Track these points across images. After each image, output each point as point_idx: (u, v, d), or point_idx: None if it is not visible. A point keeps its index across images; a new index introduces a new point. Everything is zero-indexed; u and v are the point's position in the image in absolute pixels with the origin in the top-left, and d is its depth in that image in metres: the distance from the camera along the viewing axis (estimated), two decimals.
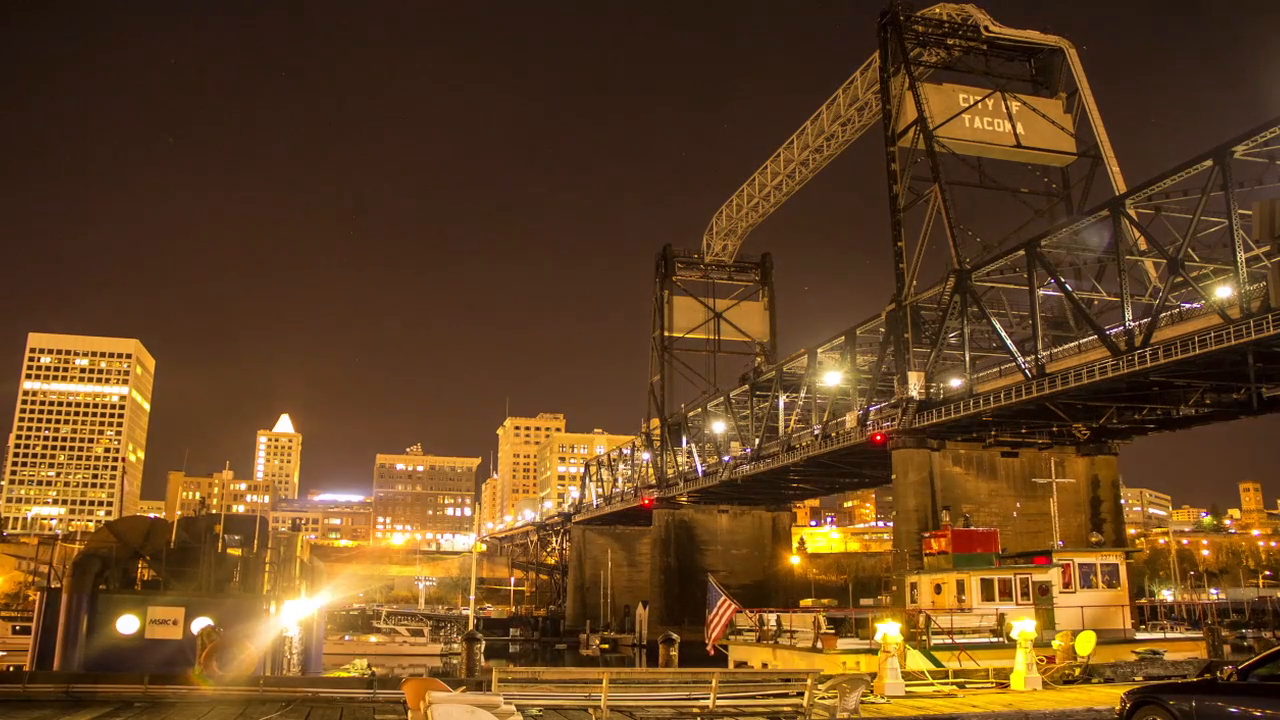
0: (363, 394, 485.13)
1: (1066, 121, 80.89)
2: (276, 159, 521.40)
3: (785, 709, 18.37)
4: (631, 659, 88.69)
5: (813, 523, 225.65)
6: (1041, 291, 63.49)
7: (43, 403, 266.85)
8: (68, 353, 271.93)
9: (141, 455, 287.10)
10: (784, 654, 32.45)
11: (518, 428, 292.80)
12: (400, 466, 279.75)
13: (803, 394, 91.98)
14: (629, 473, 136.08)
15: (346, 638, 72.47)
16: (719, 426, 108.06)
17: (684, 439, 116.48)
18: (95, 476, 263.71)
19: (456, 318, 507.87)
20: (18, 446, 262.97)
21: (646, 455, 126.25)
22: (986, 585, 34.15)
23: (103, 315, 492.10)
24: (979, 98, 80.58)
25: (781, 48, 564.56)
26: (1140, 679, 24.71)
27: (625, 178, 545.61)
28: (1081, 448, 72.67)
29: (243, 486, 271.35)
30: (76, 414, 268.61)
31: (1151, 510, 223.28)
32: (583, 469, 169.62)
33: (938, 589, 35.81)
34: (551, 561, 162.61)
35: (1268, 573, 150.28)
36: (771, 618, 36.30)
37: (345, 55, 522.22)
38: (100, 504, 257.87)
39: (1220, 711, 12.47)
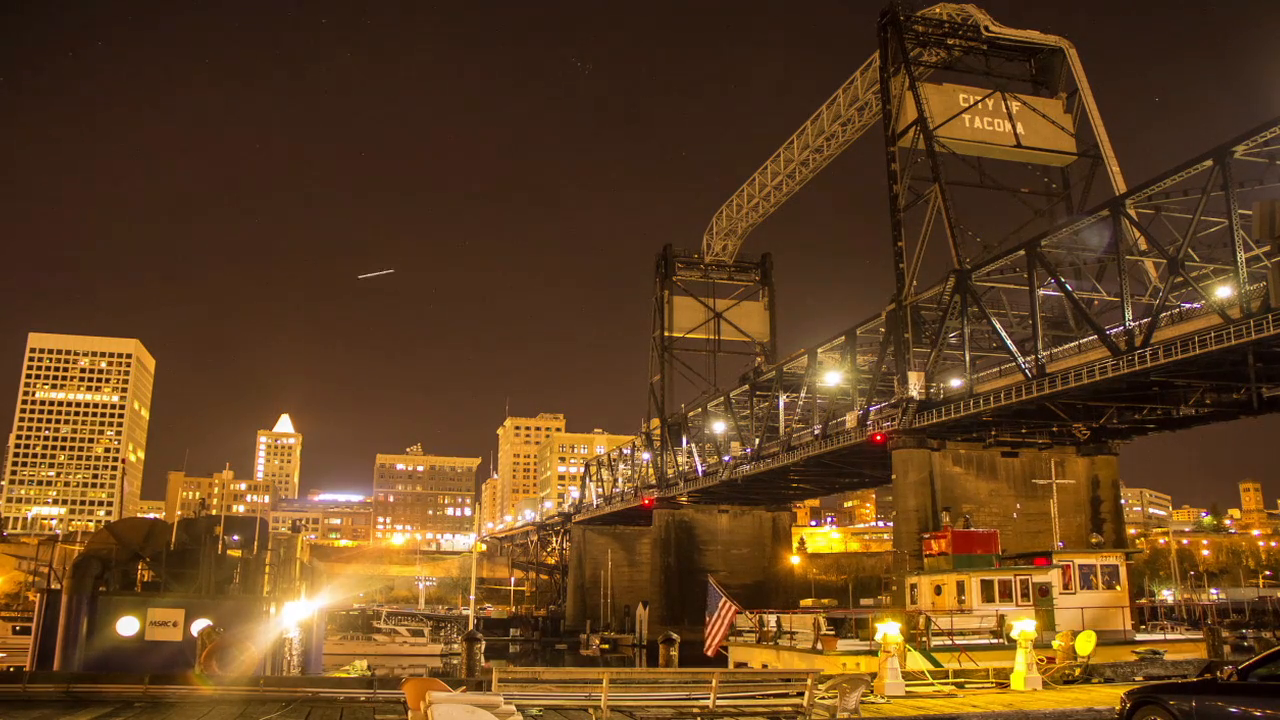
0: (363, 394, 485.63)
1: (1066, 121, 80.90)
2: (276, 158, 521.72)
3: (785, 709, 18.38)
4: (631, 659, 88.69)
5: (813, 523, 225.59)
6: (1041, 291, 63.48)
7: (43, 403, 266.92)
8: (68, 353, 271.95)
9: (141, 455, 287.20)
10: (784, 655, 32.45)
11: (518, 428, 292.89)
12: (400, 466, 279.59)
13: (803, 394, 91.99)
14: (629, 473, 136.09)
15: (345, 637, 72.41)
16: (719, 426, 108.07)
17: (684, 439, 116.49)
18: (95, 477, 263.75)
19: (456, 317, 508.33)
20: (18, 446, 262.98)
21: (646, 455, 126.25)
22: (986, 586, 34.18)
23: (103, 315, 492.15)
24: (979, 98, 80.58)
25: (782, 48, 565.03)
26: (1140, 679, 24.71)
27: (625, 178, 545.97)
28: (1081, 448, 72.68)
29: (243, 487, 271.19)
30: (76, 414, 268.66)
31: (1151, 510, 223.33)
32: (583, 469, 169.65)
33: (938, 590, 35.83)
34: (551, 561, 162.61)
35: (1268, 573, 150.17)
36: (771, 619, 36.30)
37: (344, 53, 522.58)
38: (100, 504, 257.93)
39: (1220, 711, 12.47)
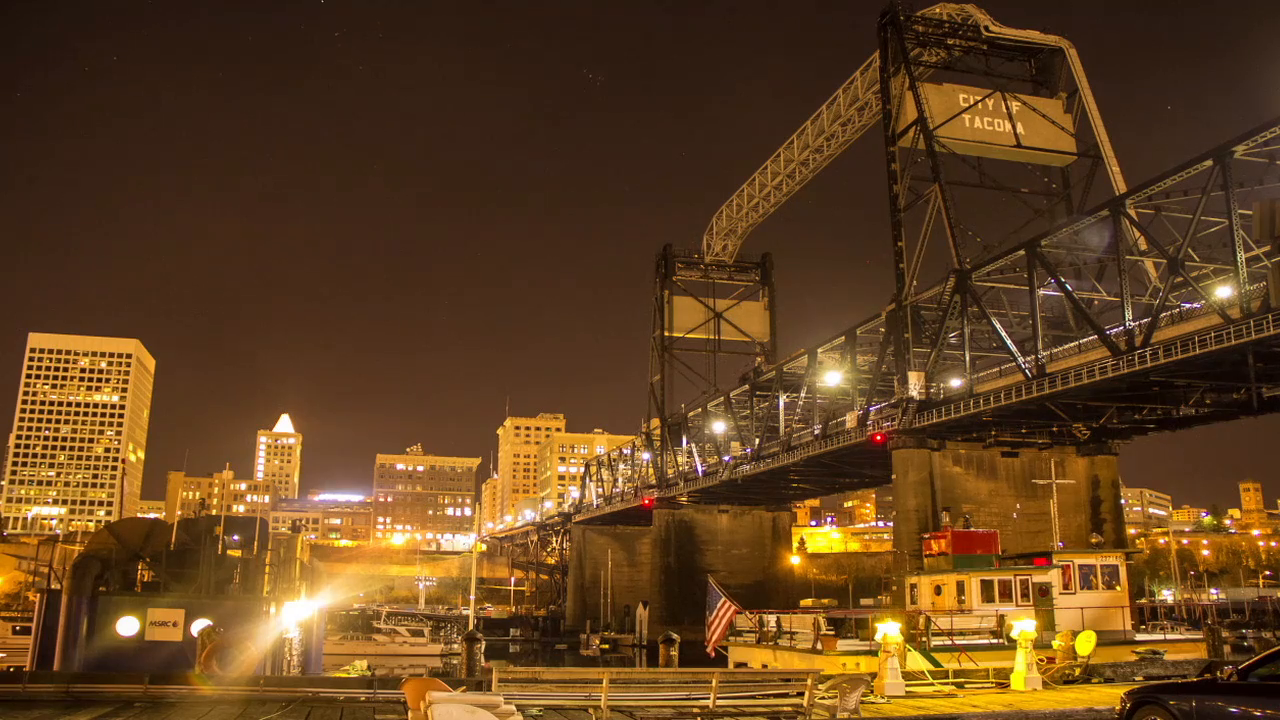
0: (363, 394, 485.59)
1: (1066, 121, 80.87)
2: (277, 159, 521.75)
3: (785, 709, 18.37)
4: (631, 659, 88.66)
5: (813, 523, 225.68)
6: (1041, 291, 63.47)
7: (43, 403, 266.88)
8: (68, 353, 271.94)
9: (141, 455, 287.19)
10: (784, 655, 32.44)
11: (518, 428, 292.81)
12: (400, 466, 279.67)
13: (803, 394, 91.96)
14: (629, 473, 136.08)
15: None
16: (719, 426, 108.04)
17: (684, 439, 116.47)
18: (95, 476, 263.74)
19: (457, 317, 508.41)
20: (18, 446, 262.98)
21: (646, 455, 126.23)
22: (986, 586, 34.14)
23: (103, 315, 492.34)
24: (979, 98, 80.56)
25: (782, 48, 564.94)
26: (1140, 679, 24.71)
27: (625, 178, 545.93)
28: (1081, 448, 72.65)
29: (243, 487, 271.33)
30: (76, 414, 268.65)
31: (1151, 510, 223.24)
32: (583, 469, 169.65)
33: (938, 590, 35.81)
34: (551, 561, 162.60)
35: (1268, 573, 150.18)
36: (771, 619, 36.28)
37: (344, 57, 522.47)
38: (100, 504, 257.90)
39: (1220, 711, 12.47)
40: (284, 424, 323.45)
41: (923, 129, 76.63)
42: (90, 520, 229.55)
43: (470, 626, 42.30)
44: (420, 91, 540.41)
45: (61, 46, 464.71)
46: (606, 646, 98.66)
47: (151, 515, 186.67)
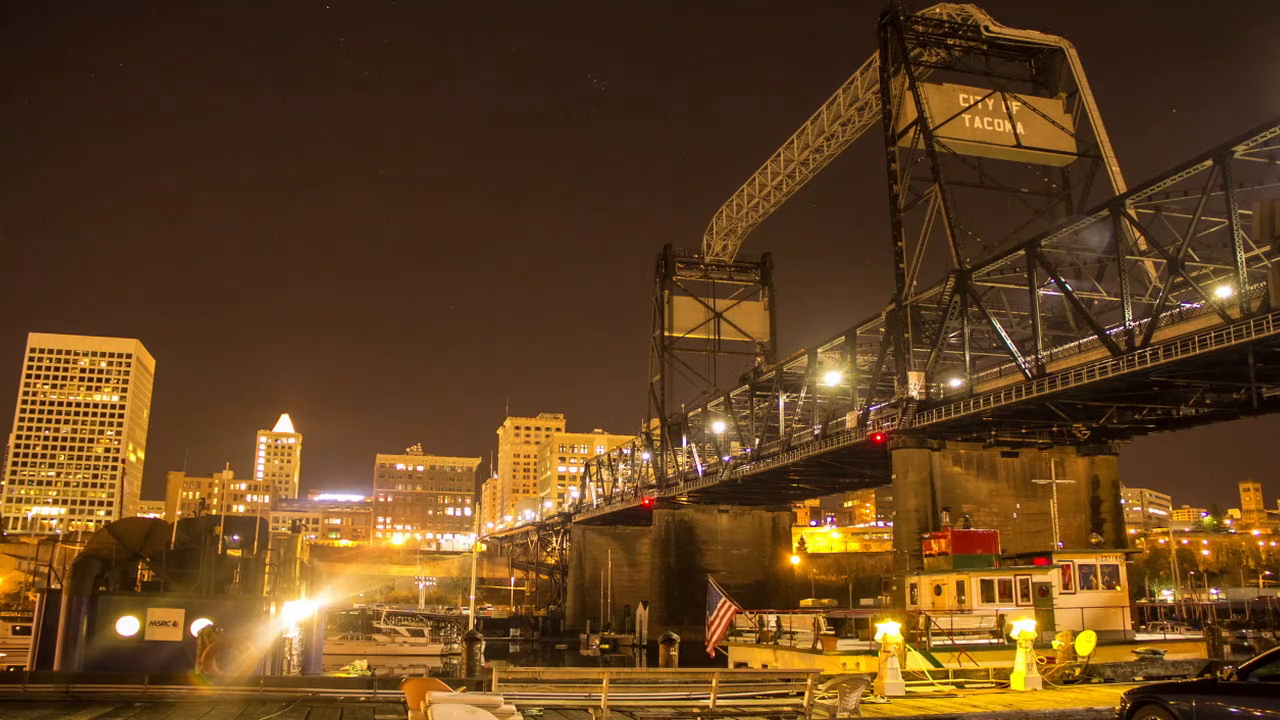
0: (363, 394, 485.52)
1: (1066, 121, 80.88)
2: (278, 160, 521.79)
3: (785, 709, 18.37)
4: (631, 659, 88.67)
5: (813, 523, 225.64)
6: (1041, 291, 63.46)
7: (43, 403, 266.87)
8: (68, 353, 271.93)
9: (141, 455, 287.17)
10: (784, 655, 32.44)
11: (518, 428, 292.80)
12: (400, 466, 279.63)
13: (803, 394, 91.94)
14: (629, 473, 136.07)
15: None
16: (719, 426, 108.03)
17: (684, 439, 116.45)
18: (95, 476, 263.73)
19: (456, 318, 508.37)
20: (18, 446, 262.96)
21: (646, 455, 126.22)
22: (986, 586, 34.13)
23: (103, 315, 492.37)
24: (979, 98, 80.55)
25: (782, 48, 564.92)
26: (1140, 679, 24.70)
27: (625, 178, 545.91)
28: (1082, 448, 72.65)
29: (243, 487, 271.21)
30: (76, 414, 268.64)
31: (1151, 510, 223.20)
32: (583, 469, 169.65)
33: (938, 590, 35.80)
34: (551, 561, 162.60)
35: (1268, 573, 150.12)
36: (771, 619, 36.28)
37: (346, 60, 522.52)
38: (100, 504, 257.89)
39: (1220, 711, 12.47)
40: (284, 424, 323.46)
41: (923, 129, 76.62)
42: (90, 520, 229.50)
43: (470, 626, 42.27)
44: (422, 94, 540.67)
45: (64, 49, 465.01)
46: (606, 646, 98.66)
47: (151, 515, 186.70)
